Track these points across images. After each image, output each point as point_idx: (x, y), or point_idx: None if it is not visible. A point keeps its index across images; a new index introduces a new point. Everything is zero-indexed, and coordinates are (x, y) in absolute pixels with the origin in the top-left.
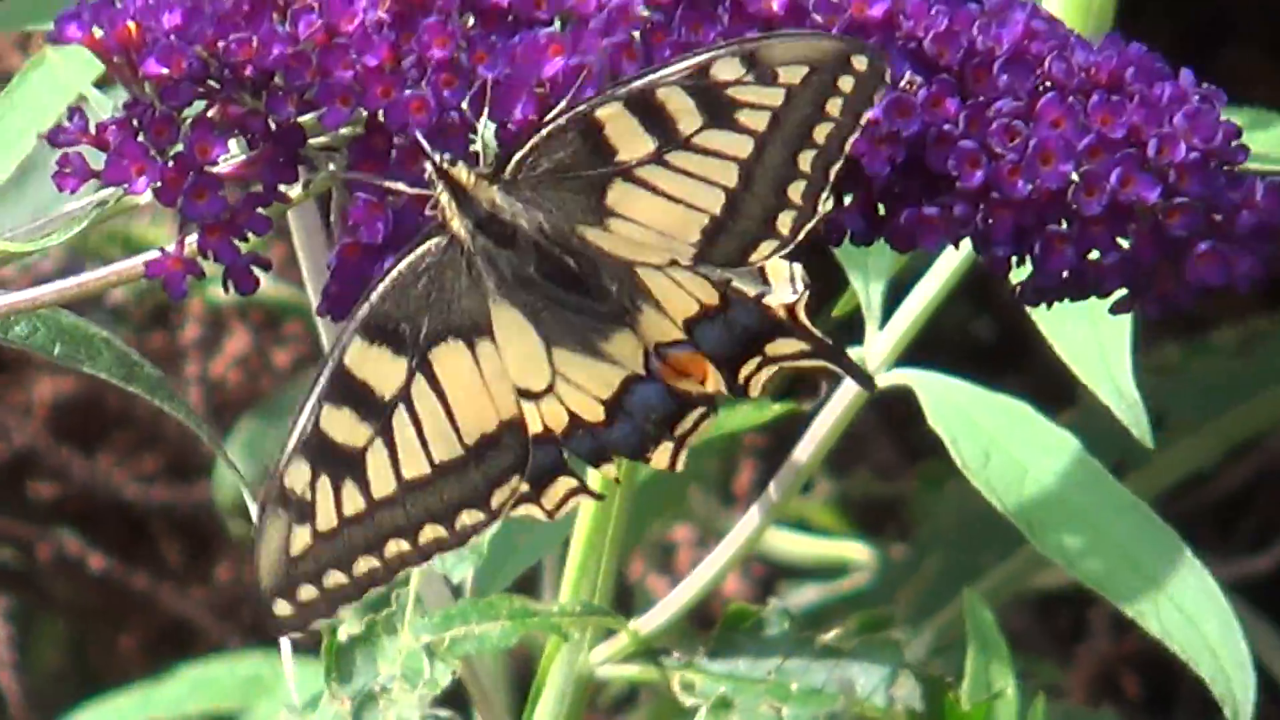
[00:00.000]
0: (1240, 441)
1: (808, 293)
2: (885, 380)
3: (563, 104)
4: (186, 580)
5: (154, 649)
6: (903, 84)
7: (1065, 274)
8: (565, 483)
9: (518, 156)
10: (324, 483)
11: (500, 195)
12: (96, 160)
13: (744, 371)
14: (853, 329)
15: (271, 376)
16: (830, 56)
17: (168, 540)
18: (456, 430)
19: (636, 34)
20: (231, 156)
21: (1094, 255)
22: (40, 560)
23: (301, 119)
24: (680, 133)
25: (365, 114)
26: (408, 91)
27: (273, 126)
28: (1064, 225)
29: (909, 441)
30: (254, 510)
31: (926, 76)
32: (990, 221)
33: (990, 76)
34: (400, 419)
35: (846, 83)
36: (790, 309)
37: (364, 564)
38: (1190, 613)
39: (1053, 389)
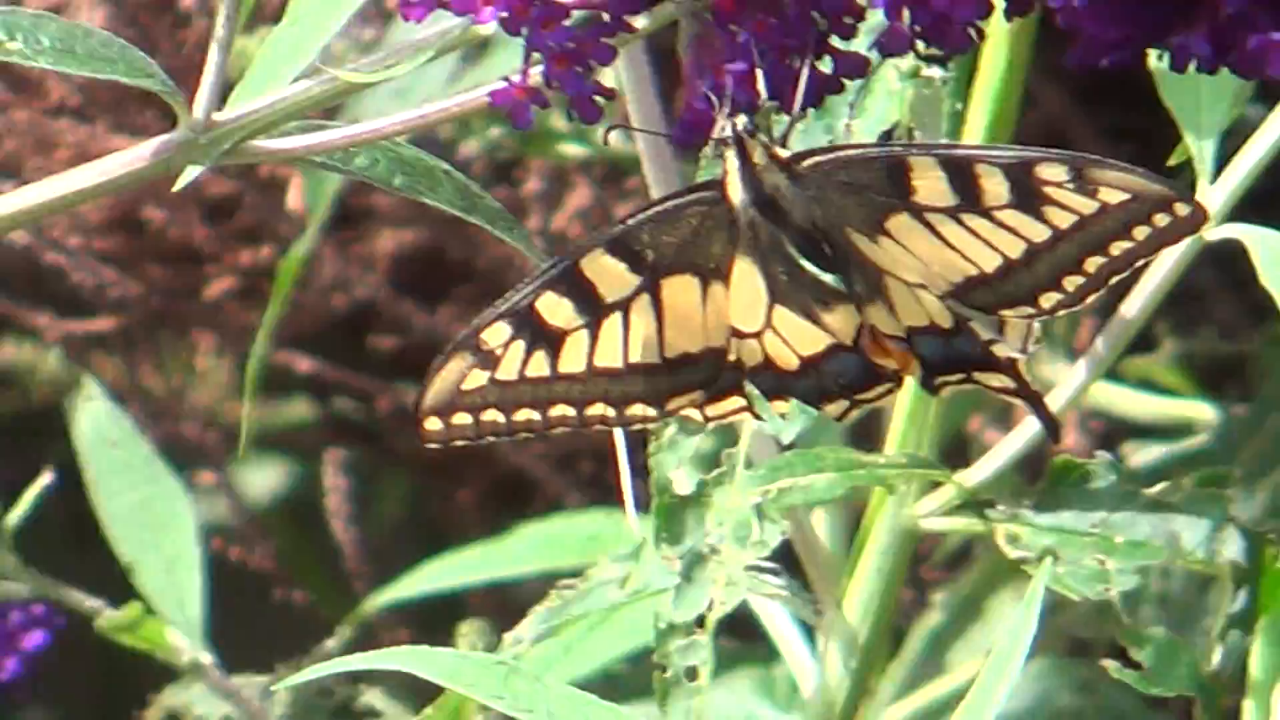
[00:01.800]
0: None
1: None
2: (1216, 234)
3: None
4: None
5: (492, 502)
6: None
7: None
8: (734, 401)
9: (817, 159)
10: (517, 345)
11: (785, 182)
12: None
13: (944, 379)
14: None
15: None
16: (1156, 197)
17: None
18: (661, 345)
19: None
20: None
21: None
22: (380, 413)
23: None
24: (984, 203)
25: None
26: None
27: None
28: None
29: (1254, 299)
30: None
31: None
32: None
33: None
34: (612, 321)
35: (1162, 219)
36: (1014, 362)
37: (524, 414)
38: None
39: None
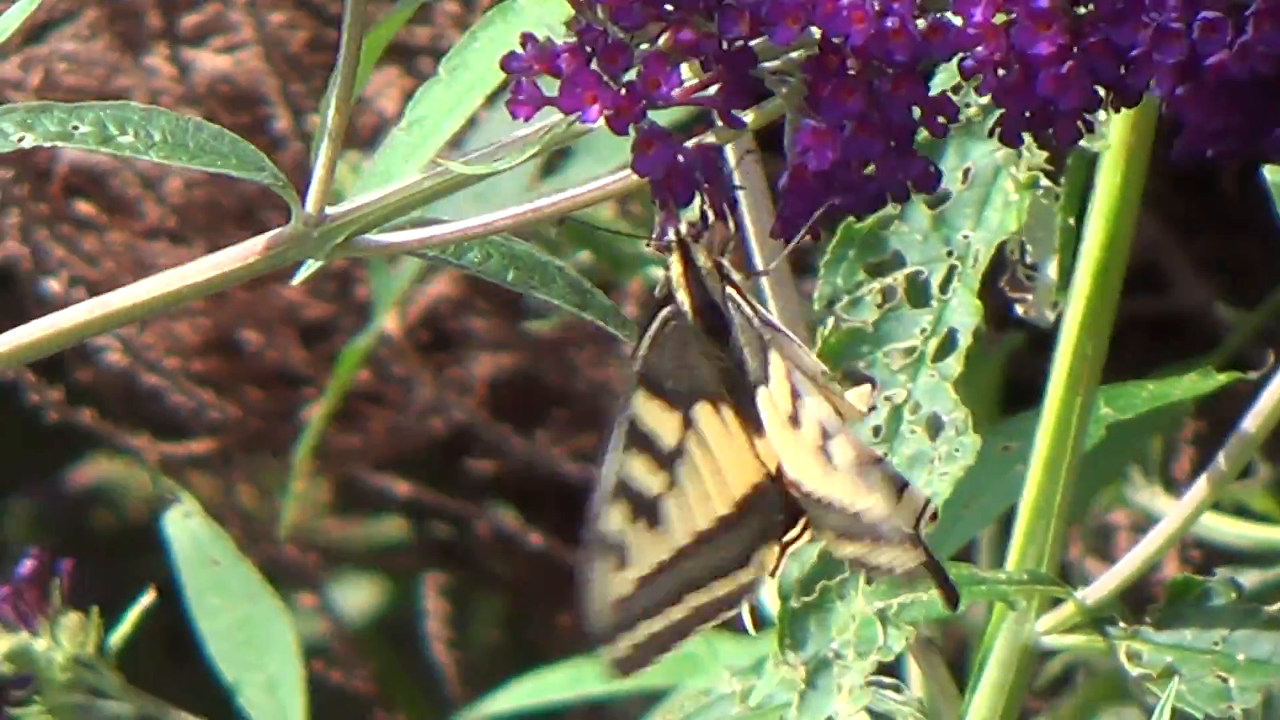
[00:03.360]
0: None
1: None
2: None
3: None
4: None
5: None
6: None
7: None
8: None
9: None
10: (638, 527)
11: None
12: (550, 88)
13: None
14: None
15: None
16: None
17: None
18: (726, 485)
19: None
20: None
21: None
22: (478, 537)
23: (753, 42)
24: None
25: (817, 35)
26: (845, 1)
27: (725, 48)
28: None
29: None
30: None
31: None
32: None
33: None
34: (686, 469)
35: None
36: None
37: (676, 612)
38: None
39: None
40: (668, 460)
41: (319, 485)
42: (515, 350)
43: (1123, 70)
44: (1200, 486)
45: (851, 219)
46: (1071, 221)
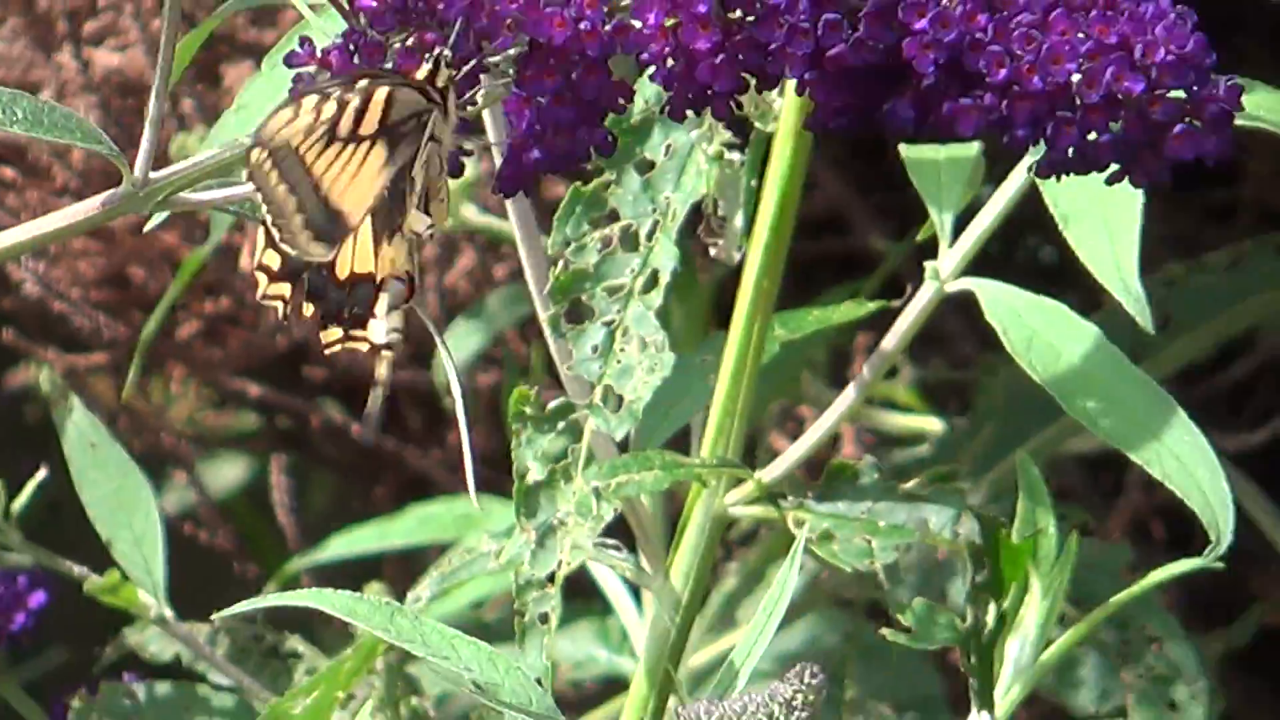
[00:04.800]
0: (1230, 338)
1: None
2: (954, 286)
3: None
4: (426, 443)
5: (401, 497)
6: (944, 1)
7: (1070, 152)
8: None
9: None
10: None
11: None
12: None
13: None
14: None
15: (491, 286)
16: None
17: (412, 411)
18: None
19: None
20: None
21: (1092, 136)
22: (313, 427)
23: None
24: None
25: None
26: (548, 10)
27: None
28: (1070, 113)
29: (981, 337)
30: (458, 390)
31: None
32: (1012, 110)
33: None
34: None
35: None
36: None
37: None
38: (1184, 460)
39: (1094, 300)
40: None
41: (190, 388)
42: None
43: (765, 60)
44: (850, 390)
45: (579, 183)
46: (754, 184)
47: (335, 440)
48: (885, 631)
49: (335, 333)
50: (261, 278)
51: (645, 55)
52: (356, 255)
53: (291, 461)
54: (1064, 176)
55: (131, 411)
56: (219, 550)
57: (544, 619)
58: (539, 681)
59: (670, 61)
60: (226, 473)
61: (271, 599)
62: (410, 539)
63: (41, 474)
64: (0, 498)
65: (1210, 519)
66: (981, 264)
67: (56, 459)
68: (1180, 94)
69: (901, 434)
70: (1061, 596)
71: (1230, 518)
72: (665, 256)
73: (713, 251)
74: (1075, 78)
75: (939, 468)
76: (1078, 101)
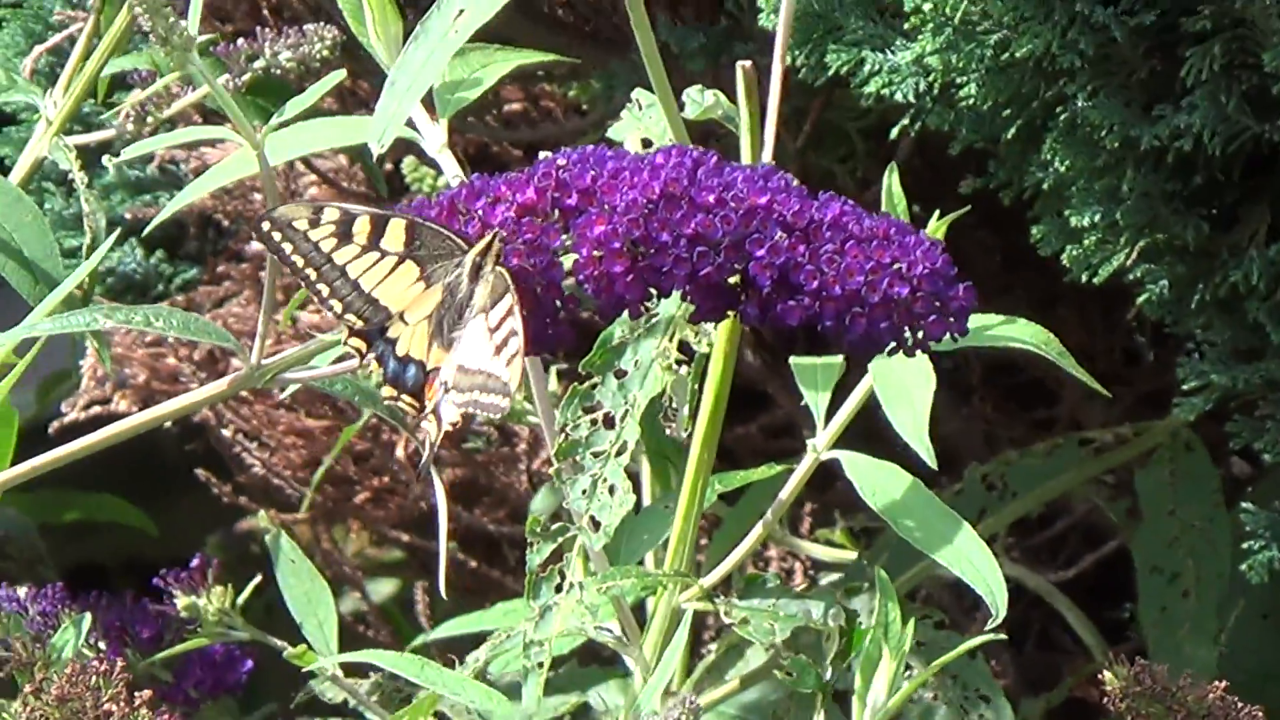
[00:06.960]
0: (1050, 503)
1: None
2: (826, 455)
3: None
4: (518, 572)
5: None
6: (776, 236)
7: (861, 335)
8: None
9: None
10: None
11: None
12: None
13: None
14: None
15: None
16: None
17: (512, 552)
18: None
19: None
20: None
21: (876, 325)
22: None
23: None
24: None
25: None
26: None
27: None
28: (860, 309)
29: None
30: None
31: (789, 234)
32: (822, 309)
33: (822, 232)
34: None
35: None
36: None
37: None
38: (971, 559)
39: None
40: None
41: (362, 534)
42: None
43: (660, 279)
44: (757, 529)
45: (576, 383)
46: (695, 387)
47: (456, 570)
48: (783, 679)
49: (391, 392)
50: (345, 329)
51: (580, 277)
52: (414, 341)
53: (427, 584)
54: (862, 354)
55: (323, 550)
56: (381, 642)
57: (540, 666)
58: None
59: (598, 281)
60: (384, 588)
61: (365, 654)
62: (497, 624)
63: (257, 579)
64: (230, 596)
65: (990, 597)
66: (854, 433)
67: (270, 575)
68: (934, 295)
69: (832, 561)
70: (902, 662)
71: (1003, 595)
72: (631, 434)
73: (668, 431)
74: (863, 287)
75: (852, 582)
76: (866, 302)
